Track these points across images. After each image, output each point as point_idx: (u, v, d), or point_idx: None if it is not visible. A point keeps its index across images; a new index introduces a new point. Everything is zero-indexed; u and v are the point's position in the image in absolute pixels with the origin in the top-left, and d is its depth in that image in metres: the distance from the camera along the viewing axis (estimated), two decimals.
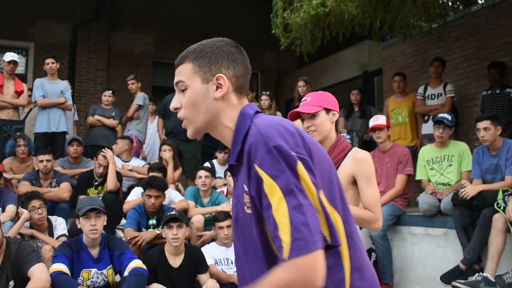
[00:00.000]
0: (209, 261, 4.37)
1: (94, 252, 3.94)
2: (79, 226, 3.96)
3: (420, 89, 6.24)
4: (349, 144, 2.45)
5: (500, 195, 4.05)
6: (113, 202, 5.19)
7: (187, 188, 5.72)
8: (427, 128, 5.82)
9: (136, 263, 3.87)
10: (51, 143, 6.31)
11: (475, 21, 6.42)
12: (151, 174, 5.22)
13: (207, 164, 6.35)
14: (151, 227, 4.68)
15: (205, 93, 1.29)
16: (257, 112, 1.30)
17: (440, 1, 6.21)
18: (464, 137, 6.04)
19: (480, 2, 6.95)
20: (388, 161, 5.04)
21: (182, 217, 4.23)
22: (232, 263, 4.51)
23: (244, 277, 1.31)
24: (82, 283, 3.81)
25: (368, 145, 6.53)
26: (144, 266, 3.88)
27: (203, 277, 4.21)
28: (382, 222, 2.35)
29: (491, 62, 5.75)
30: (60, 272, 3.67)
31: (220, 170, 6.37)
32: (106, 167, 5.45)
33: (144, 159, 6.87)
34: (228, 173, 5.62)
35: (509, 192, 4.05)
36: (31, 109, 6.73)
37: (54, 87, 6.29)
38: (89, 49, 9.34)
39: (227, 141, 1.33)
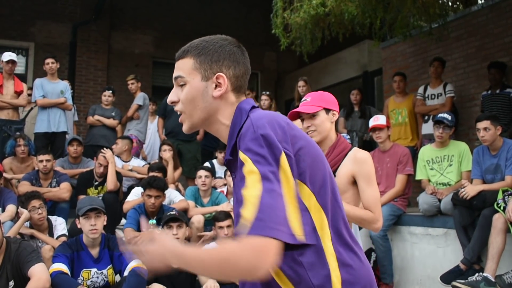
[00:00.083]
0: None
1: (94, 252, 3.94)
2: (79, 226, 3.96)
3: (420, 89, 6.24)
4: (349, 144, 2.45)
5: (500, 195, 4.05)
6: (113, 202, 5.19)
7: (187, 188, 5.72)
8: (427, 128, 5.82)
9: (136, 263, 3.86)
10: (51, 143, 6.31)
11: (475, 21, 6.42)
12: (151, 174, 5.22)
13: (207, 164, 6.35)
14: (151, 227, 4.68)
15: (204, 91, 1.29)
16: (253, 107, 1.30)
17: (440, 1, 6.21)
18: (464, 137, 6.04)
19: (480, 2, 6.95)
20: (388, 161, 5.04)
21: (182, 217, 4.23)
22: None
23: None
24: (82, 283, 3.81)
25: (368, 145, 6.53)
26: (144, 266, 3.87)
27: (203, 277, 4.21)
28: (382, 222, 2.35)
29: (491, 62, 5.75)
30: (60, 272, 3.67)
31: (220, 170, 6.37)
32: (106, 167, 5.45)
33: (144, 159, 6.87)
34: (228, 173, 5.62)
35: (509, 192, 4.05)
36: (32, 108, 6.73)
37: (54, 87, 6.29)
38: (89, 49, 9.34)
39: (223, 137, 1.34)
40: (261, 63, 10.44)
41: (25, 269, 3.55)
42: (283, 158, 1.13)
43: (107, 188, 5.40)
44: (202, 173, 5.37)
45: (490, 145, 4.37)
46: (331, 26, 5.76)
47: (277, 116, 1.22)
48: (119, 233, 5.12)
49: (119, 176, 5.54)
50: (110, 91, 6.94)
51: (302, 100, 2.50)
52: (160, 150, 6.20)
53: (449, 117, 4.76)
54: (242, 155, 1.15)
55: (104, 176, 5.47)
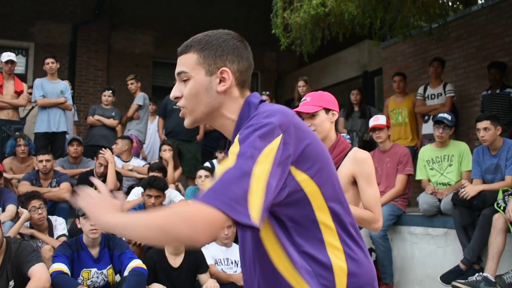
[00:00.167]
0: (209, 261, 4.37)
1: (94, 252, 3.94)
2: (79, 226, 3.96)
3: (420, 89, 6.24)
4: (349, 144, 2.45)
5: (500, 195, 4.05)
6: None
7: (187, 188, 5.73)
8: (427, 128, 5.82)
9: (136, 262, 3.87)
10: (51, 143, 6.31)
11: (475, 21, 6.42)
12: (151, 174, 5.22)
13: (207, 164, 6.35)
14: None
15: (208, 86, 1.28)
16: (261, 101, 1.30)
17: (440, 1, 6.21)
18: (464, 137, 6.04)
19: (480, 2, 6.95)
20: (388, 161, 5.04)
21: None
22: (232, 263, 4.52)
23: (251, 279, 1.31)
24: (82, 283, 3.81)
25: (368, 145, 6.53)
26: (144, 266, 3.88)
27: (203, 277, 4.21)
28: (382, 222, 2.35)
29: (491, 62, 5.75)
30: (60, 272, 3.67)
31: None
32: (107, 167, 5.45)
33: (144, 159, 6.87)
34: None
35: (509, 192, 4.05)
36: (33, 107, 6.72)
37: (54, 87, 6.29)
38: (89, 49, 9.34)
39: (228, 132, 1.33)
40: (261, 63, 10.44)
41: (25, 269, 3.55)
42: (273, 146, 1.12)
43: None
44: (202, 173, 5.38)
45: (490, 145, 4.37)
46: (331, 26, 5.76)
47: (286, 110, 1.21)
48: None
49: (119, 176, 5.54)
50: (110, 91, 6.94)
51: (302, 100, 2.50)
52: (160, 150, 6.20)
53: (449, 117, 4.76)
54: (237, 137, 1.16)
55: (104, 176, 5.47)
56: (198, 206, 1.05)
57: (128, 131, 6.85)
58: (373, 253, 4.93)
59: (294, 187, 1.19)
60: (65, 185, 5.25)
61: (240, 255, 1.39)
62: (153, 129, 7.43)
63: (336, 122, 2.64)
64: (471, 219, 4.26)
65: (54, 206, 5.18)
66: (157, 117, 7.21)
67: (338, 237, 1.24)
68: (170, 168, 5.85)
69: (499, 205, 3.98)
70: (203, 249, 4.49)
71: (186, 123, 1.35)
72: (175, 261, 4.20)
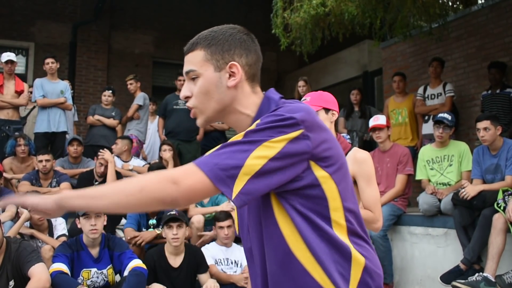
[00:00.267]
0: (209, 261, 4.36)
1: (94, 252, 3.94)
2: (79, 226, 3.96)
3: (420, 90, 6.25)
4: (348, 144, 2.46)
5: (500, 195, 4.05)
6: None
7: None
8: (427, 128, 5.82)
9: (136, 262, 3.87)
10: (51, 143, 6.31)
11: (475, 21, 6.42)
12: None
13: None
14: (151, 227, 4.68)
15: (218, 82, 1.26)
16: (281, 97, 1.30)
17: (440, 1, 6.21)
18: (464, 137, 6.04)
19: (480, 2, 6.95)
20: (388, 161, 5.04)
21: (182, 217, 4.23)
22: (232, 263, 4.51)
23: (259, 273, 1.29)
24: (82, 283, 3.81)
25: (368, 145, 6.53)
26: (144, 266, 3.88)
27: (203, 277, 4.21)
28: (382, 222, 2.35)
29: (491, 62, 5.75)
30: (60, 272, 3.67)
31: None
32: (107, 167, 5.45)
33: (144, 159, 6.87)
34: None
35: (509, 192, 4.05)
36: (34, 107, 6.72)
37: (54, 87, 6.29)
38: (89, 49, 9.34)
39: (242, 127, 1.30)
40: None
41: (25, 269, 3.55)
42: (286, 138, 1.12)
43: None
44: None
45: (490, 145, 4.37)
46: (331, 26, 5.76)
47: (310, 108, 1.21)
48: (119, 233, 5.12)
49: (119, 176, 5.54)
50: (110, 91, 6.94)
51: (302, 100, 2.50)
52: (160, 150, 6.20)
53: (449, 117, 4.76)
54: (257, 121, 1.17)
55: (104, 175, 5.46)
56: (188, 167, 1.10)
57: (128, 131, 6.85)
58: None
59: (312, 181, 1.18)
60: (65, 185, 5.25)
61: (246, 247, 1.35)
62: (153, 129, 7.43)
63: (336, 122, 2.64)
64: (471, 219, 4.26)
65: None
66: (157, 117, 7.21)
67: (348, 237, 1.23)
68: (170, 168, 5.85)
69: (499, 205, 3.98)
70: (203, 249, 4.49)
71: (199, 122, 1.33)
72: (175, 261, 4.20)
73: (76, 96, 8.40)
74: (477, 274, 3.86)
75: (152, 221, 4.71)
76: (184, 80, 1.29)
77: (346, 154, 2.38)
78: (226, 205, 5.20)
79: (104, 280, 3.93)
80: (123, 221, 5.12)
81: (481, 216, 4.10)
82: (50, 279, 3.56)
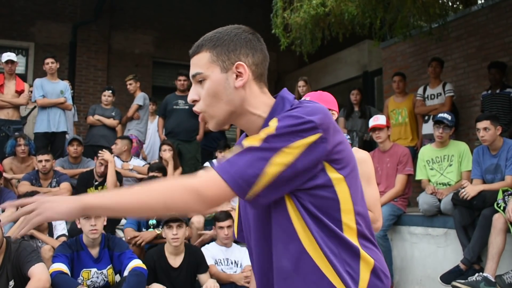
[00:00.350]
0: (209, 261, 4.36)
1: (94, 252, 3.94)
2: (79, 226, 3.96)
3: (420, 90, 6.25)
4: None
5: (500, 195, 4.05)
6: None
7: None
8: (428, 128, 5.82)
9: (136, 262, 3.87)
10: (51, 143, 6.31)
11: (475, 21, 6.42)
12: (151, 174, 5.22)
13: (207, 164, 6.34)
14: (151, 227, 4.68)
15: (225, 83, 1.24)
16: (294, 97, 1.30)
17: (440, 1, 6.21)
18: (464, 137, 6.04)
19: (480, 2, 6.95)
20: (388, 161, 5.04)
21: (182, 217, 4.23)
22: (232, 263, 4.51)
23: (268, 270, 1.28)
24: (82, 283, 3.81)
25: (368, 145, 6.53)
26: (144, 266, 3.88)
27: (203, 277, 4.21)
28: (382, 222, 2.35)
29: (491, 62, 5.75)
30: (60, 272, 3.67)
31: None
32: (107, 167, 5.45)
33: (144, 159, 6.87)
34: None
35: (509, 192, 4.05)
36: (35, 107, 6.71)
37: (54, 87, 6.29)
38: (89, 49, 9.34)
39: (253, 128, 1.28)
40: None
41: (25, 269, 3.55)
42: (301, 143, 1.13)
43: (107, 188, 5.40)
44: None
45: (490, 145, 4.37)
46: (331, 26, 5.76)
47: (326, 110, 1.21)
48: (119, 233, 5.13)
49: (119, 176, 5.54)
50: (110, 91, 6.94)
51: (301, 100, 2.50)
52: (160, 150, 6.20)
53: (449, 117, 4.76)
54: (273, 120, 1.16)
55: (104, 175, 5.47)
56: (208, 175, 1.12)
57: (128, 131, 6.85)
58: None
59: (325, 182, 1.18)
60: (65, 185, 5.25)
61: (253, 245, 1.35)
62: (153, 129, 7.43)
63: (336, 122, 2.64)
64: (471, 219, 4.26)
65: None
66: (157, 117, 7.21)
67: (357, 239, 1.23)
68: (170, 168, 5.85)
69: (499, 205, 3.98)
70: (203, 249, 4.49)
71: (211, 126, 1.31)
72: (175, 261, 4.20)
73: (76, 96, 8.40)
74: (477, 274, 3.86)
75: (152, 221, 4.71)
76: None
77: None
78: (226, 205, 5.19)
79: (104, 280, 3.93)
80: (123, 221, 5.12)
81: (481, 216, 4.10)
82: (50, 279, 3.56)
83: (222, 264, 4.49)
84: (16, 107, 6.25)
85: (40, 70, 7.21)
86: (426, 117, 6.05)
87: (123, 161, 6.07)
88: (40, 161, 5.21)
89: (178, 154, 6.44)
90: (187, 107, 6.62)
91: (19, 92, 6.20)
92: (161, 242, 4.43)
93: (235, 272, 4.46)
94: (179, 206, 1.13)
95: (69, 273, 3.75)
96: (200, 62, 1.26)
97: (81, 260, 3.88)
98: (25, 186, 5.08)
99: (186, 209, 1.11)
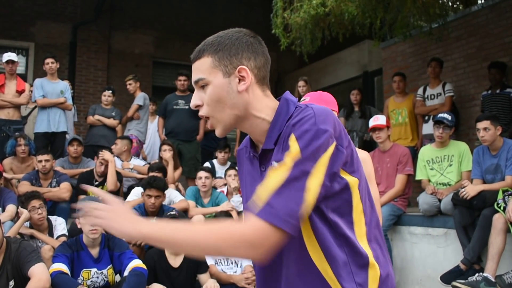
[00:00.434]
0: (209, 261, 4.36)
1: (94, 252, 3.94)
2: (79, 226, 3.96)
3: (420, 90, 6.25)
4: None
5: (500, 195, 4.05)
6: None
7: (188, 188, 5.73)
8: (428, 128, 5.82)
9: (136, 263, 3.87)
10: (51, 143, 6.31)
11: (475, 21, 6.42)
12: (151, 174, 5.22)
13: (207, 164, 6.35)
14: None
15: (228, 87, 1.23)
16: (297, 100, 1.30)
17: (440, 1, 6.21)
18: (464, 137, 6.04)
19: (480, 2, 6.95)
20: (388, 161, 5.04)
21: (182, 217, 4.23)
22: (232, 263, 4.51)
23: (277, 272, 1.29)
24: (82, 283, 3.81)
25: (368, 145, 6.53)
26: (144, 266, 3.88)
27: (203, 277, 4.21)
28: (382, 222, 2.36)
29: (491, 62, 5.75)
30: (60, 272, 3.67)
31: (220, 170, 6.37)
32: (108, 166, 5.45)
33: (144, 159, 6.87)
34: (228, 173, 5.62)
35: (509, 192, 4.05)
36: (35, 107, 6.71)
37: (54, 87, 6.29)
38: (89, 49, 9.34)
39: (258, 132, 1.28)
40: None
41: (25, 269, 3.55)
42: (324, 159, 1.14)
43: (107, 188, 5.40)
44: (202, 174, 5.37)
45: (490, 145, 4.37)
46: (331, 26, 5.76)
47: (334, 114, 1.22)
48: None
49: (119, 176, 5.54)
50: (110, 91, 6.94)
51: (301, 100, 2.50)
52: (160, 150, 6.20)
53: (449, 117, 4.76)
54: (293, 140, 1.15)
55: (104, 175, 5.47)
56: (256, 224, 1.09)
57: (128, 131, 6.85)
58: None
59: (344, 185, 1.20)
60: (65, 185, 5.25)
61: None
62: (153, 129, 7.43)
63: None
64: (471, 219, 4.26)
65: (54, 206, 5.18)
66: (157, 117, 7.21)
67: (367, 243, 1.24)
68: (170, 168, 5.85)
69: (499, 205, 3.98)
70: None
71: (218, 132, 1.30)
72: (175, 261, 4.20)
73: (76, 96, 8.40)
74: (477, 274, 3.86)
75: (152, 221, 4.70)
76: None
77: None
78: (226, 205, 5.20)
79: (104, 280, 3.93)
80: None
81: (481, 216, 4.10)
82: (50, 279, 3.56)
83: (222, 264, 4.49)
84: (17, 107, 6.25)
85: (40, 70, 7.21)
86: (426, 117, 6.05)
87: (123, 161, 6.07)
88: (40, 161, 5.21)
89: (178, 154, 6.44)
90: (187, 107, 6.62)
91: (20, 92, 6.20)
92: None
93: (235, 272, 4.46)
94: (233, 254, 1.13)
95: (69, 273, 3.75)
96: (202, 68, 1.25)
97: (81, 260, 3.89)
98: (25, 186, 5.08)
99: (241, 258, 1.12)
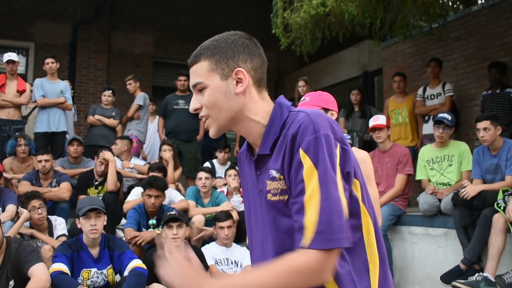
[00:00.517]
0: (209, 261, 4.36)
1: (94, 252, 3.94)
2: (79, 226, 3.96)
3: (420, 91, 6.25)
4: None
5: (500, 195, 4.05)
6: (113, 202, 5.18)
7: (188, 188, 5.72)
8: (428, 128, 5.82)
9: (136, 262, 3.87)
10: (51, 143, 6.31)
11: (475, 21, 6.42)
12: (151, 174, 5.22)
13: (207, 164, 6.35)
14: (151, 227, 4.68)
15: (225, 90, 1.25)
16: (292, 104, 1.31)
17: (440, 1, 6.21)
18: (464, 137, 6.04)
19: (480, 2, 6.95)
20: (388, 161, 5.03)
21: (182, 217, 4.23)
22: (232, 263, 4.51)
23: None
24: (82, 283, 3.81)
25: (368, 145, 6.53)
26: (144, 266, 3.87)
27: None
28: (382, 222, 2.36)
29: (492, 62, 5.75)
30: (60, 272, 3.67)
31: (220, 170, 6.37)
32: (108, 166, 5.45)
33: (144, 159, 6.87)
34: (228, 173, 5.62)
35: (509, 192, 4.05)
36: (35, 106, 6.71)
37: (54, 87, 6.29)
38: (89, 49, 9.34)
39: (253, 135, 1.29)
40: None
41: (25, 269, 3.55)
42: (337, 160, 1.16)
43: (107, 188, 5.40)
44: (202, 174, 5.36)
45: (490, 145, 4.37)
46: (331, 26, 5.76)
47: (324, 114, 1.23)
48: (119, 233, 5.12)
49: (119, 176, 5.54)
50: (110, 91, 6.94)
51: (301, 100, 2.50)
52: (160, 150, 6.20)
53: (449, 117, 4.76)
54: (303, 155, 1.15)
55: (104, 175, 5.46)
56: (315, 255, 1.10)
57: (128, 131, 6.84)
58: None
59: (350, 187, 1.22)
60: (65, 185, 5.25)
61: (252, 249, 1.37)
62: (153, 129, 7.43)
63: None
64: (471, 219, 4.26)
65: (54, 206, 5.18)
66: (157, 117, 7.21)
67: (371, 241, 1.25)
68: (170, 168, 5.85)
69: (499, 205, 3.98)
70: (203, 249, 4.49)
71: (212, 132, 1.31)
72: None
73: (76, 96, 8.40)
74: (477, 274, 3.86)
75: (152, 221, 4.71)
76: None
77: None
78: (226, 205, 5.20)
79: (104, 280, 3.93)
80: (123, 221, 5.12)
81: (481, 216, 4.10)
82: (50, 279, 3.56)
83: (222, 264, 4.49)
84: (17, 107, 6.25)
85: (40, 70, 7.21)
86: (426, 117, 6.05)
87: (123, 161, 6.07)
88: (40, 161, 5.21)
89: (178, 154, 6.44)
90: (187, 107, 6.62)
91: (21, 92, 6.21)
92: None
93: (235, 272, 4.46)
94: (306, 287, 1.14)
95: (69, 273, 3.75)
96: (199, 71, 1.27)
97: (81, 260, 3.88)
98: (25, 186, 5.08)
99: (314, 286, 1.15)
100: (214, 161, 6.51)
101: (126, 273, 3.82)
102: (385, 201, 4.89)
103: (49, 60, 6.33)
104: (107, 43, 9.54)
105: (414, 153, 5.78)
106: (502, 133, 4.49)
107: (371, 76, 8.84)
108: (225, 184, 5.92)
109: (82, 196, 5.20)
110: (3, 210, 4.54)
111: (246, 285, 1.13)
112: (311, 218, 1.11)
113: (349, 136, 6.06)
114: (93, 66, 9.34)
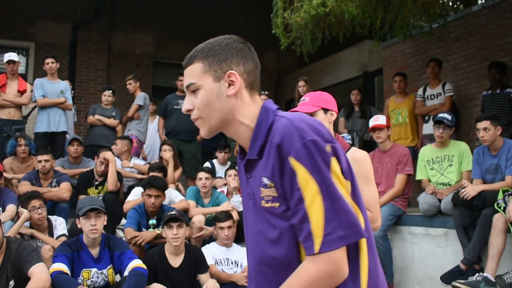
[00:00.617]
0: (209, 261, 4.36)
1: (94, 252, 3.94)
2: (79, 226, 3.96)
3: (420, 91, 6.25)
4: (347, 144, 2.46)
5: (500, 195, 4.05)
6: (113, 202, 5.19)
7: (189, 188, 5.72)
8: (428, 128, 5.82)
9: (136, 262, 3.87)
10: (51, 143, 6.32)
11: (475, 21, 6.42)
12: (151, 174, 5.22)
13: (207, 164, 6.34)
14: (151, 227, 4.68)
15: (218, 92, 1.27)
16: (278, 108, 1.32)
17: (441, 1, 6.21)
18: (464, 137, 6.04)
19: (480, 2, 6.95)
20: (388, 161, 5.03)
21: (182, 217, 4.23)
22: (232, 263, 4.51)
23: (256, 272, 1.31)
24: (82, 283, 3.81)
25: (369, 145, 6.53)
26: (144, 266, 3.88)
27: (203, 277, 4.21)
28: (381, 222, 2.36)
29: (492, 62, 5.76)
30: (60, 272, 3.67)
31: (220, 170, 6.37)
32: (108, 166, 5.45)
33: (144, 159, 6.87)
34: (228, 173, 5.62)
35: (509, 192, 4.05)
36: (35, 106, 6.71)
37: (54, 87, 6.30)
38: (89, 49, 9.34)
39: (242, 138, 1.31)
40: (261, 63, 10.29)
41: (25, 269, 3.55)
42: (333, 162, 1.18)
43: (107, 188, 5.40)
44: (202, 175, 5.36)
45: (490, 145, 4.37)
46: (331, 26, 5.76)
47: (309, 117, 1.24)
48: (119, 233, 5.13)
49: (119, 176, 5.54)
50: (110, 91, 6.94)
51: (301, 100, 2.50)
52: (160, 150, 6.20)
53: (449, 117, 4.76)
54: (295, 164, 1.16)
55: (105, 175, 5.46)
56: (329, 257, 1.13)
57: (128, 131, 6.84)
58: None
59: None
60: (65, 185, 5.25)
61: (252, 265, 1.37)
62: (153, 129, 7.43)
63: (335, 122, 2.64)
64: (471, 219, 4.26)
65: (54, 206, 5.18)
66: (157, 117, 7.21)
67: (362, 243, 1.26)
68: (170, 168, 5.85)
69: (499, 205, 3.98)
70: (203, 249, 4.49)
71: (203, 133, 1.34)
72: (175, 261, 4.20)
73: (76, 96, 8.40)
74: (477, 274, 3.86)
75: (152, 221, 4.71)
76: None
77: None
78: (226, 205, 5.20)
79: (104, 280, 3.93)
80: (123, 221, 5.12)
81: (481, 216, 4.10)
82: (50, 279, 3.56)
83: (222, 264, 4.49)
84: (18, 106, 6.25)
85: (40, 70, 7.21)
86: (426, 117, 6.05)
87: (123, 161, 6.06)
88: (40, 161, 5.21)
89: (179, 154, 6.44)
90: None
91: (21, 92, 6.21)
92: (161, 242, 4.43)
93: (235, 272, 4.46)
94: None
95: (69, 273, 3.75)
96: (193, 73, 1.30)
97: (81, 260, 3.88)
98: (25, 186, 5.08)
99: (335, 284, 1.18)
100: (214, 161, 6.51)
101: (126, 273, 3.82)
102: (385, 201, 4.88)
103: (49, 60, 6.33)
104: (107, 43, 9.54)
105: (414, 153, 5.78)
106: (502, 133, 4.49)
107: (371, 76, 8.84)
108: (225, 184, 5.92)
109: (82, 196, 5.20)
110: (3, 210, 4.54)
111: None
112: (317, 222, 1.13)
113: (349, 136, 6.07)
114: (93, 66, 9.34)
